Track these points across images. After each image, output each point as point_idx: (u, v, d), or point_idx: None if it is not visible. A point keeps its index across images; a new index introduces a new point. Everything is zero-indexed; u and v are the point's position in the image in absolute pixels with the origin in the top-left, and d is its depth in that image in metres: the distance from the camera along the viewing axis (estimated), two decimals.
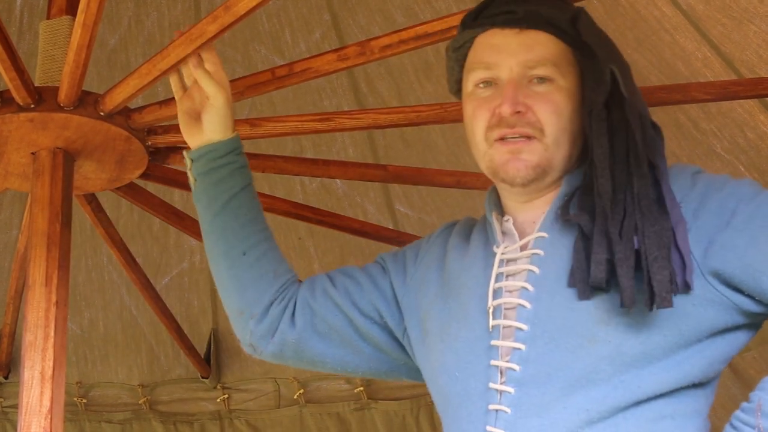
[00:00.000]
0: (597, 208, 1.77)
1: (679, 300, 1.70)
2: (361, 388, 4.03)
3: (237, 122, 2.62)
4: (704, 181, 1.81)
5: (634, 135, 1.79)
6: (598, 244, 1.74)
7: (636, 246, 1.71)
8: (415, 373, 2.08)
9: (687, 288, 1.70)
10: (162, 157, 2.68)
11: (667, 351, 1.72)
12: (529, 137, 1.84)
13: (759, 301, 1.72)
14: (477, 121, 1.88)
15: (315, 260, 4.00)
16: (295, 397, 4.12)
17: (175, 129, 2.57)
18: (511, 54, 1.86)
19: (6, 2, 3.52)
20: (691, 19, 2.94)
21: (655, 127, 1.86)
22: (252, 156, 2.83)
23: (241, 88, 2.41)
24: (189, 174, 2.17)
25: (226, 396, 4.16)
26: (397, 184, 3.61)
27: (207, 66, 2.15)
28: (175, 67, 2.27)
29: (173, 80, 2.21)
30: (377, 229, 3.22)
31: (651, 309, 1.69)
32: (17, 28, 3.57)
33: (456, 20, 2.15)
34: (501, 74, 1.87)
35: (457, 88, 2.01)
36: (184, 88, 2.22)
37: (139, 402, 4.18)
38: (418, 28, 2.26)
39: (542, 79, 1.86)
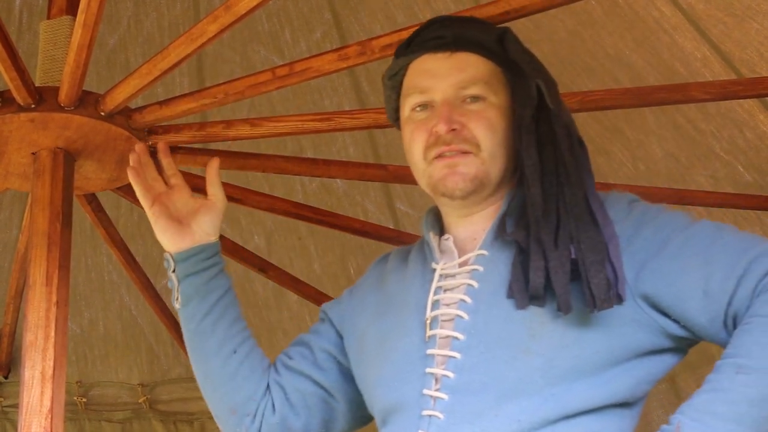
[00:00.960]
0: (530, 219, 1.84)
1: (610, 319, 1.78)
2: None
3: (237, 122, 2.63)
4: (639, 209, 1.88)
5: (560, 146, 1.86)
6: (534, 252, 1.80)
7: (573, 255, 1.78)
8: None
9: (620, 300, 1.76)
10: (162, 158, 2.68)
11: (597, 368, 1.78)
12: (465, 152, 1.91)
13: (684, 327, 1.80)
14: (415, 143, 1.95)
15: (315, 260, 4.00)
16: None
17: (176, 129, 2.58)
18: (443, 77, 1.95)
19: (5, 1, 3.51)
20: (691, 19, 2.94)
21: (581, 143, 1.93)
22: (252, 156, 2.84)
23: (241, 88, 2.41)
24: (171, 276, 2.14)
25: None
26: (398, 183, 3.61)
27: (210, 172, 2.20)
28: (176, 67, 2.27)
29: (139, 189, 2.17)
30: (378, 229, 3.23)
31: (592, 311, 1.75)
32: (16, 28, 3.56)
33: None
34: (435, 97, 1.95)
35: (396, 117, 2.08)
36: (152, 193, 2.19)
37: (139, 401, 4.19)
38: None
39: (475, 98, 1.93)
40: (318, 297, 3.47)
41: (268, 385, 2.14)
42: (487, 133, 1.91)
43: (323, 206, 3.56)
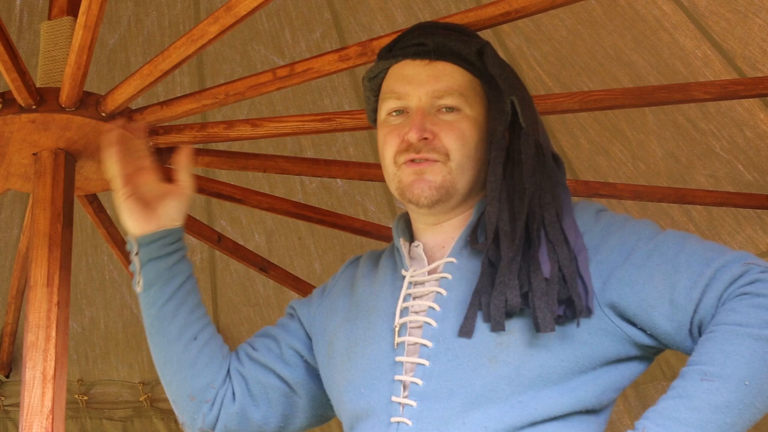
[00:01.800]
0: (497, 234, 1.86)
1: (576, 328, 1.80)
2: None
3: (238, 122, 2.64)
4: (606, 219, 1.90)
5: (525, 165, 1.86)
6: (504, 273, 1.81)
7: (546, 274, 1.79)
8: None
9: (589, 313, 1.80)
10: (163, 157, 2.68)
11: (563, 376, 1.80)
12: (434, 161, 1.93)
13: (651, 335, 1.82)
14: (387, 146, 1.98)
15: (316, 259, 4.01)
16: None
17: (177, 129, 2.58)
18: (420, 84, 1.97)
19: (6, 1, 3.51)
20: (692, 16, 2.94)
21: (557, 159, 1.95)
22: (253, 156, 2.84)
23: (241, 88, 2.42)
24: (134, 259, 2.15)
25: None
26: None
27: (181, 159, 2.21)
28: (177, 68, 2.27)
29: (115, 168, 2.18)
30: (378, 228, 3.23)
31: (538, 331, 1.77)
32: (17, 27, 3.56)
33: (457, 20, 2.18)
34: (410, 103, 1.98)
35: (374, 118, 2.10)
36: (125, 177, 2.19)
37: (140, 399, 4.18)
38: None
39: (450, 109, 1.95)
40: None
41: (228, 374, 2.15)
42: (457, 144, 1.93)
43: (323, 206, 3.57)
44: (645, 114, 3.23)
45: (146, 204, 2.15)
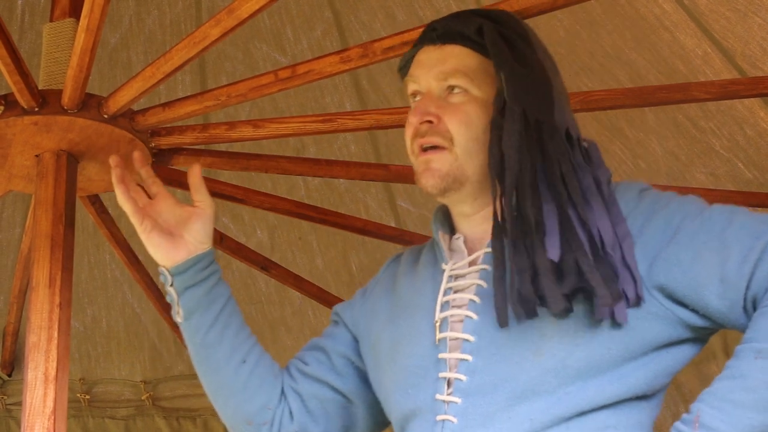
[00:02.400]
0: (503, 221, 1.81)
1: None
2: None
3: (240, 123, 2.64)
4: (650, 198, 1.84)
5: (506, 142, 1.80)
6: (511, 260, 1.77)
7: (551, 256, 1.73)
8: None
9: (639, 301, 1.74)
10: (165, 158, 2.69)
11: (611, 364, 1.74)
12: (439, 147, 1.89)
13: (703, 315, 1.76)
14: (406, 133, 1.96)
15: (318, 256, 4.01)
16: None
17: (178, 131, 2.59)
18: (429, 67, 1.95)
19: (7, 2, 3.52)
20: (693, 15, 2.94)
21: (569, 136, 1.86)
22: (255, 156, 2.85)
23: (243, 90, 2.42)
24: (170, 290, 2.06)
25: None
26: (400, 183, 3.62)
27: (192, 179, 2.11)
28: (179, 70, 2.28)
29: (129, 207, 2.08)
30: (379, 227, 3.23)
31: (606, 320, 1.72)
32: (18, 28, 3.57)
33: None
34: (421, 88, 1.95)
35: None
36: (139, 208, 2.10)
37: (142, 398, 4.19)
38: (420, 29, 2.25)
39: (457, 90, 1.91)
40: (320, 295, 3.48)
41: (283, 392, 2.10)
42: (461, 127, 1.88)
43: (325, 203, 3.58)
44: (645, 113, 3.23)
45: (171, 233, 2.06)
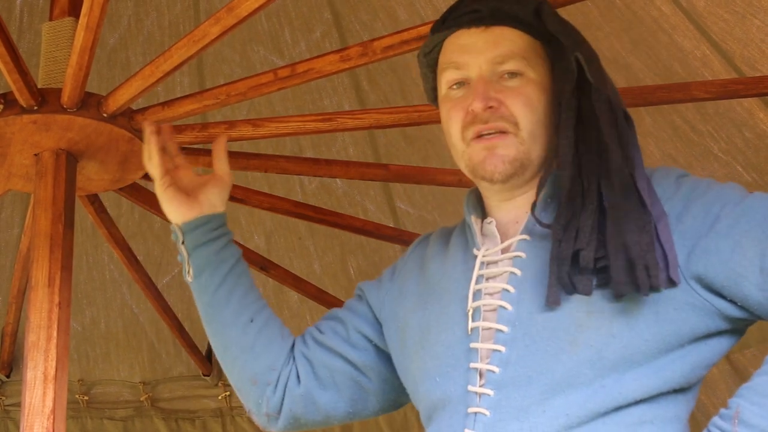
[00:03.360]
0: (561, 202, 1.77)
1: (661, 304, 1.70)
2: None
3: (239, 123, 2.64)
4: (688, 185, 1.79)
5: (600, 121, 1.77)
6: (565, 240, 1.74)
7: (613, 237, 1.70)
8: None
9: (672, 283, 1.69)
10: None
11: (648, 356, 1.70)
12: (504, 132, 1.83)
13: (741, 307, 1.71)
14: (452, 122, 1.88)
15: (315, 260, 4.01)
16: None
17: (178, 130, 2.58)
18: (479, 52, 1.87)
19: (6, 1, 3.52)
20: (691, 17, 2.94)
21: (627, 117, 1.83)
22: (253, 156, 2.85)
23: (242, 89, 2.42)
24: (181, 248, 2.11)
25: (228, 393, 4.16)
26: (399, 183, 3.62)
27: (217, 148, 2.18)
28: (178, 69, 2.28)
29: (155, 156, 2.13)
30: (378, 228, 3.23)
31: (644, 294, 1.68)
32: (17, 27, 3.57)
33: None
34: (471, 73, 1.87)
35: (434, 96, 2.02)
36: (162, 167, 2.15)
37: (141, 399, 4.19)
38: (420, 28, 2.26)
39: (513, 74, 1.86)
40: (319, 295, 3.48)
41: (292, 356, 2.11)
42: (525, 110, 1.83)
43: (323, 206, 3.57)
44: (642, 116, 3.22)
45: (186, 193, 2.11)
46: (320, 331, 2.13)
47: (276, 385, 2.09)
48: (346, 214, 3.26)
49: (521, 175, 1.85)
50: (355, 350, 2.09)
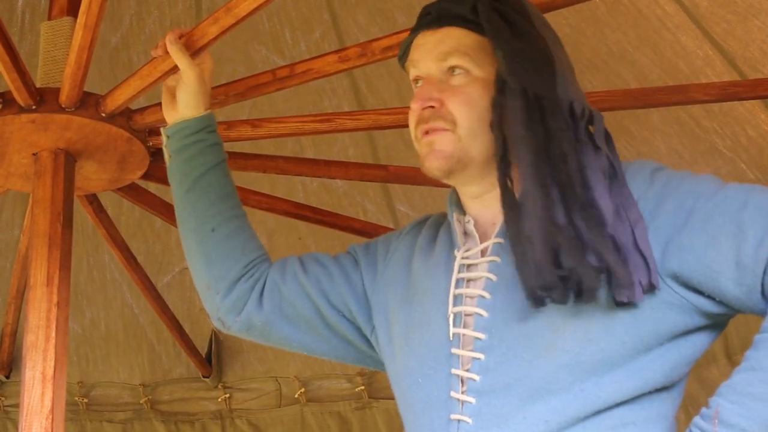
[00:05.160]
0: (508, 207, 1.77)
1: (637, 304, 1.68)
2: (363, 387, 4.04)
3: (239, 123, 2.63)
4: (662, 179, 1.76)
5: (513, 123, 1.77)
6: (515, 245, 1.73)
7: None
8: (381, 365, 2.07)
9: (652, 288, 1.68)
10: (163, 157, 2.68)
11: (627, 358, 1.69)
12: (443, 129, 1.85)
13: (719, 302, 1.69)
14: (410, 119, 1.93)
15: None
16: (296, 396, 4.12)
17: None
18: (427, 51, 1.92)
19: (8, 3, 3.52)
20: (694, 17, 2.95)
21: (587, 115, 1.82)
22: (254, 156, 2.84)
23: (242, 89, 2.42)
24: (165, 151, 2.19)
25: (228, 395, 4.16)
26: (398, 184, 3.61)
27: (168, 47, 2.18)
28: (177, 69, 2.27)
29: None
30: (377, 229, 3.22)
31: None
32: (19, 29, 3.57)
33: None
34: (422, 72, 1.92)
35: None
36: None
37: (141, 401, 4.18)
38: None
39: (457, 71, 1.88)
40: None
41: (260, 278, 2.12)
42: (463, 109, 1.84)
43: (323, 206, 3.57)
44: (650, 111, 3.23)
45: (172, 95, 2.20)
46: (304, 272, 2.12)
47: (226, 295, 2.12)
48: (345, 215, 3.27)
49: (462, 171, 1.86)
50: (332, 309, 2.09)
